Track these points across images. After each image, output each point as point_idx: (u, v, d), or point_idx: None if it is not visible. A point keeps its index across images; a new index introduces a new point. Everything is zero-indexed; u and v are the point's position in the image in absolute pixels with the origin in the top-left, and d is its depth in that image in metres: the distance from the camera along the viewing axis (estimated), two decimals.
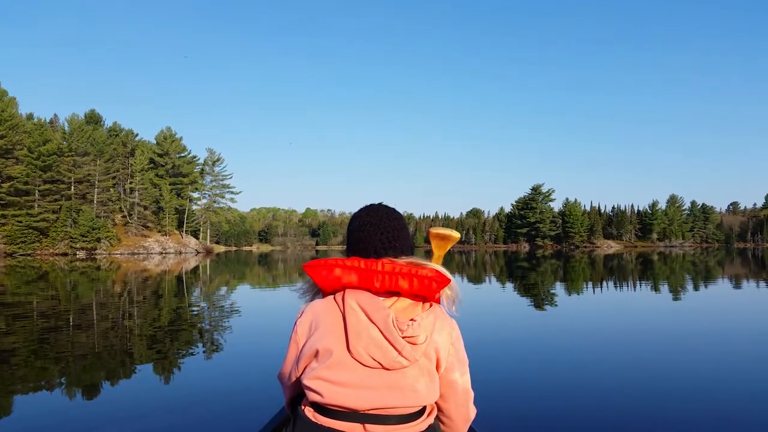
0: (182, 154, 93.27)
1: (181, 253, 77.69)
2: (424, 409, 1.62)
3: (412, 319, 1.54)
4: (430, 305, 1.63)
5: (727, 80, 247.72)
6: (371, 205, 1.80)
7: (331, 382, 1.52)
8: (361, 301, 1.55)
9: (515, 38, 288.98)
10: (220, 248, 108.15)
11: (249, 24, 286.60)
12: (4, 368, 6.27)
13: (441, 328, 1.60)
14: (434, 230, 2.14)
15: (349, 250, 1.78)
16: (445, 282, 1.60)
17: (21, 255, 62.00)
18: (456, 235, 2.14)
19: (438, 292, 1.61)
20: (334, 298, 1.62)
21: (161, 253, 73.06)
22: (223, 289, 18.42)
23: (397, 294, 1.60)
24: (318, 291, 1.74)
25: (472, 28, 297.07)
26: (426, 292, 1.58)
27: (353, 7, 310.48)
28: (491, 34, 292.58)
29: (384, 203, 1.83)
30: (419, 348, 1.54)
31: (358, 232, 1.73)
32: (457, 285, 1.73)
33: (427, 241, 2.19)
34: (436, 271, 1.61)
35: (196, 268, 34.54)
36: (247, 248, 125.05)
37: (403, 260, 1.64)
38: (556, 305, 12.92)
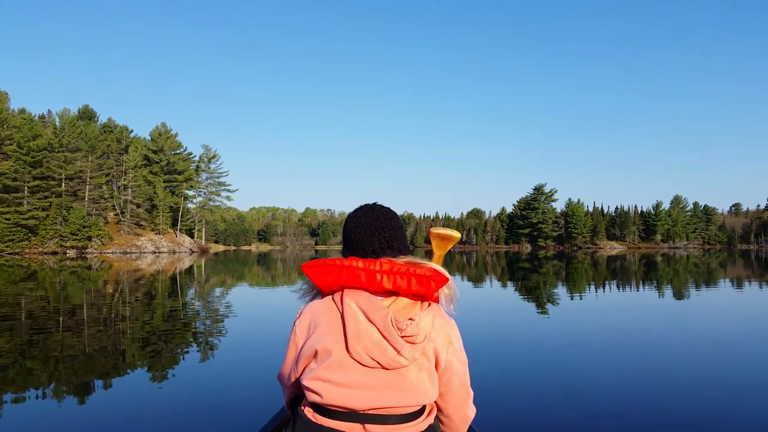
0: (177, 151, 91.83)
1: (174, 252, 76.65)
2: (423, 408, 1.62)
3: (410, 319, 1.54)
4: (429, 304, 1.62)
5: (730, 81, 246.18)
6: (367, 204, 1.78)
7: (330, 383, 1.53)
8: (359, 301, 1.55)
9: (516, 38, 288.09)
10: (219, 247, 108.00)
11: (248, 22, 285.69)
12: None
13: (440, 327, 1.60)
14: (435, 230, 2.10)
15: (345, 251, 1.76)
16: (444, 281, 1.58)
17: (8, 254, 60.76)
18: (456, 235, 2.10)
19: (436, 291, 1.60)
20: (333, 298, 1.62)
21: (154, 253, 72.15)
22: (219, 290, 17.96)
23: (396, 293, 1.60)
24: (317, 291, 1.73)
25: (473, 28, 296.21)
26: (424, 292, 1.57)
27: (354, 6, 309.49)
28: (492, 33, 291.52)
29: (379, 203, 1.79)
30: (418, 347, 1.54)
31: (354, 232, 1.71)
32: (456, 284, 1.71)
33: (428, 241, 2.00)
34: (434, 270, 1.59)
35: (191, 267, 34.21)
36: (246, 248, 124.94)
37: (401, 260, 1.64)
38: (557, 306, 12.84)
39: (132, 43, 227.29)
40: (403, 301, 1.58)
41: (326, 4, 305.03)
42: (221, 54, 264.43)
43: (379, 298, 1.58)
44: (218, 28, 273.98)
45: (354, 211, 1.78)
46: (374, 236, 1.67)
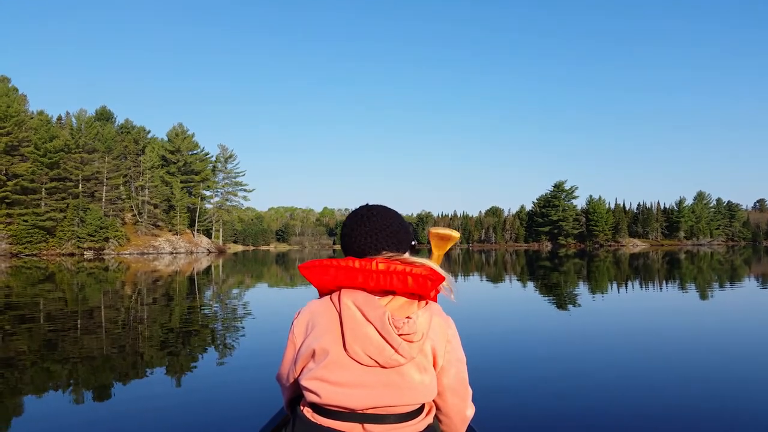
0: (194, 152, 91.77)
1: (192, 253, 76.46)
2: (422, 407, 1.63)
3: (407, 317, 1.56)
4: (426, 303, 1.63)
5: (753, 76, 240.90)
6: (367, 204, 1.79)
7: (329, 382, 1.54)
8: (356, 300, 1.56)
9: (535, 35, 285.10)
10: (238, 247, 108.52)
11: (264, 22, 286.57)
12: (11, 371, 6.24)
13: (437, 326, 1.62)
14: (434, 230, 2.12)
15: (344, 250, 1.78)
16: (440, 280, 1.60)
17: (27, 255, 61.06)
18: (456, 235, 2.11)
19: (432, 290, 1.61)
20: (330, 298, 1.64)
21: (172, 253, 72.00)
22: (236, 290, 17.96)
23: (393, 293, 1.61)
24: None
25: (491, 26, 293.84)
26: (421, 290, 1.58)
27: (370, 7, 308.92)
28: (512, 30, 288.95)
29: (380, 204, 1.80)
30: (415, 345, 1.55)
31: (352, 232, 1.73)
32: (451, 276, 1.72)
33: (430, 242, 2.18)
34: (431, 269, 1.60)
35: (208, 268, 34.22)
36: (265, 248, 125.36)
37: (398, 259, 1.65)
38: (568, 305, 12.61)
39: (150, 44, 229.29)
40: (400, 300, 1.57)
41: (343, 3, 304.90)
42: (238, 54, 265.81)
43: (376, 297, 1.57)
44: (235, 29, 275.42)
45: (353, 211, 1.78)
46: (370, 236, 1.67)
